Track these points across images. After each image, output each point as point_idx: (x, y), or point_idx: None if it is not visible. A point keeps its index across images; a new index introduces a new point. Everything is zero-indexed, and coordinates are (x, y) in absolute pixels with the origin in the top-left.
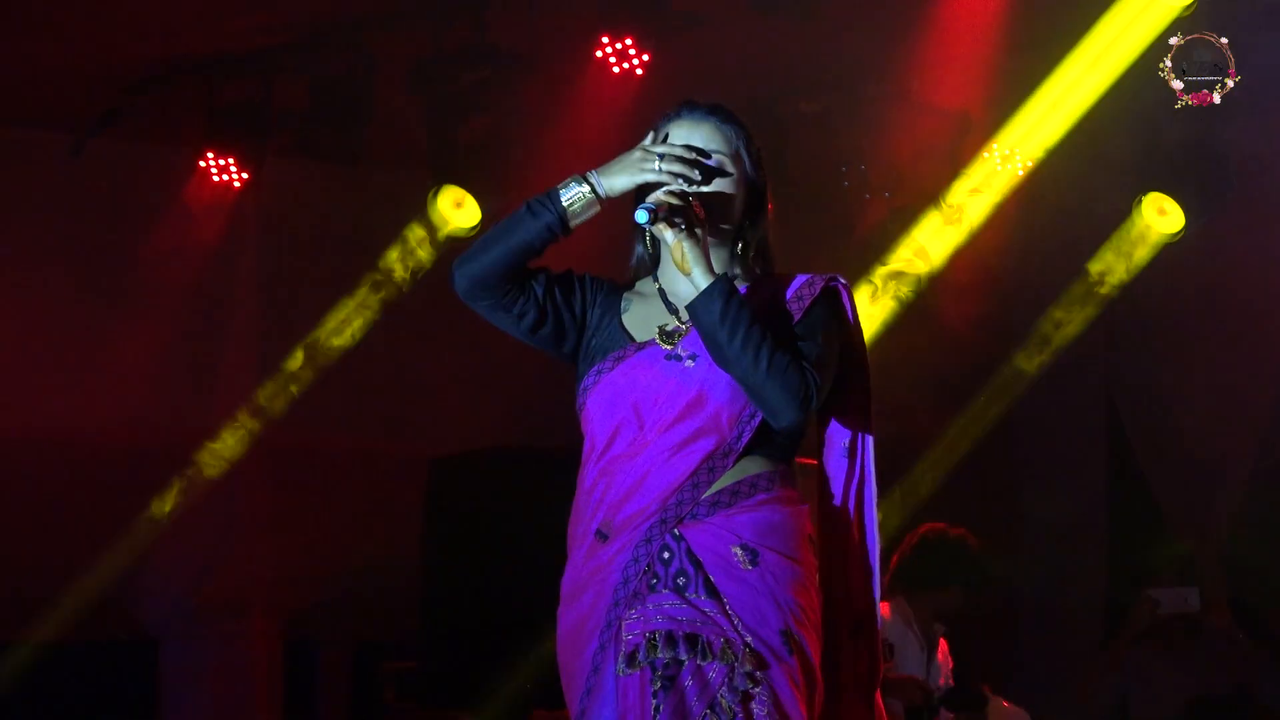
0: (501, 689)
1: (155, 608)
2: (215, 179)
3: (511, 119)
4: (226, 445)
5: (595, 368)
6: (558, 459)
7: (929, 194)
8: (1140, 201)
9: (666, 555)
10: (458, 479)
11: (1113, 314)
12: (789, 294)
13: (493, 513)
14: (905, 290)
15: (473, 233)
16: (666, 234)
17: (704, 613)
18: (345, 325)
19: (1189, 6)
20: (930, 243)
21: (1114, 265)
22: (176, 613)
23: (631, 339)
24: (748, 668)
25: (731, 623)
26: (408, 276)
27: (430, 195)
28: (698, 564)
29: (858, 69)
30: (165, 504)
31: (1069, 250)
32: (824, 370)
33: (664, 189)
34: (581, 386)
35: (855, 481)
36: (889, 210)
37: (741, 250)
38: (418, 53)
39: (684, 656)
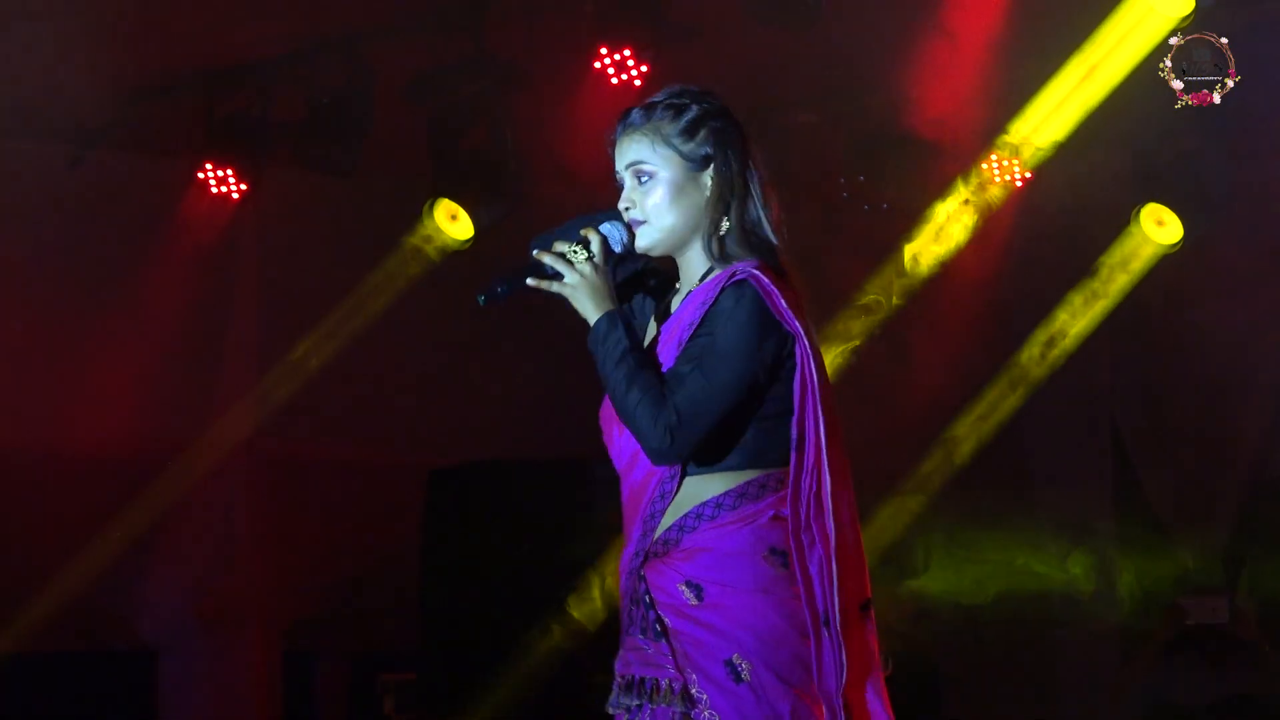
0: (500, 701)
1: (153, 618)
2: (214, 190)
3: (510, 130)
4: (224, 456)
5: None
6: (556, 471)
7: (928, 204)
8: (1138, 212)
9: (636, 597)
10: (457, 490)
11: (1113, 324)
12: (700, 299)
13: (492, 524)
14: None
15: (466, 245)
16: (553, 288)
17: (654, 654)
18: (343, 336)
19: (1186, 18)
20: (926, 252)
21: (1112, 277)
22: (175, 624)
23: None
24: (681, 708)
25: (676, 662)
26: (405, 288)
27: (426, 208)
28: (652, 605)
29: (857, 80)
30: (163, 514)
31: (1067, 261)
32: (696, 397)
33: (544, 254)
34: None
35: (809, 475)
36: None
37: (709, 242)
38: (416, 64)
39: (636, 700)
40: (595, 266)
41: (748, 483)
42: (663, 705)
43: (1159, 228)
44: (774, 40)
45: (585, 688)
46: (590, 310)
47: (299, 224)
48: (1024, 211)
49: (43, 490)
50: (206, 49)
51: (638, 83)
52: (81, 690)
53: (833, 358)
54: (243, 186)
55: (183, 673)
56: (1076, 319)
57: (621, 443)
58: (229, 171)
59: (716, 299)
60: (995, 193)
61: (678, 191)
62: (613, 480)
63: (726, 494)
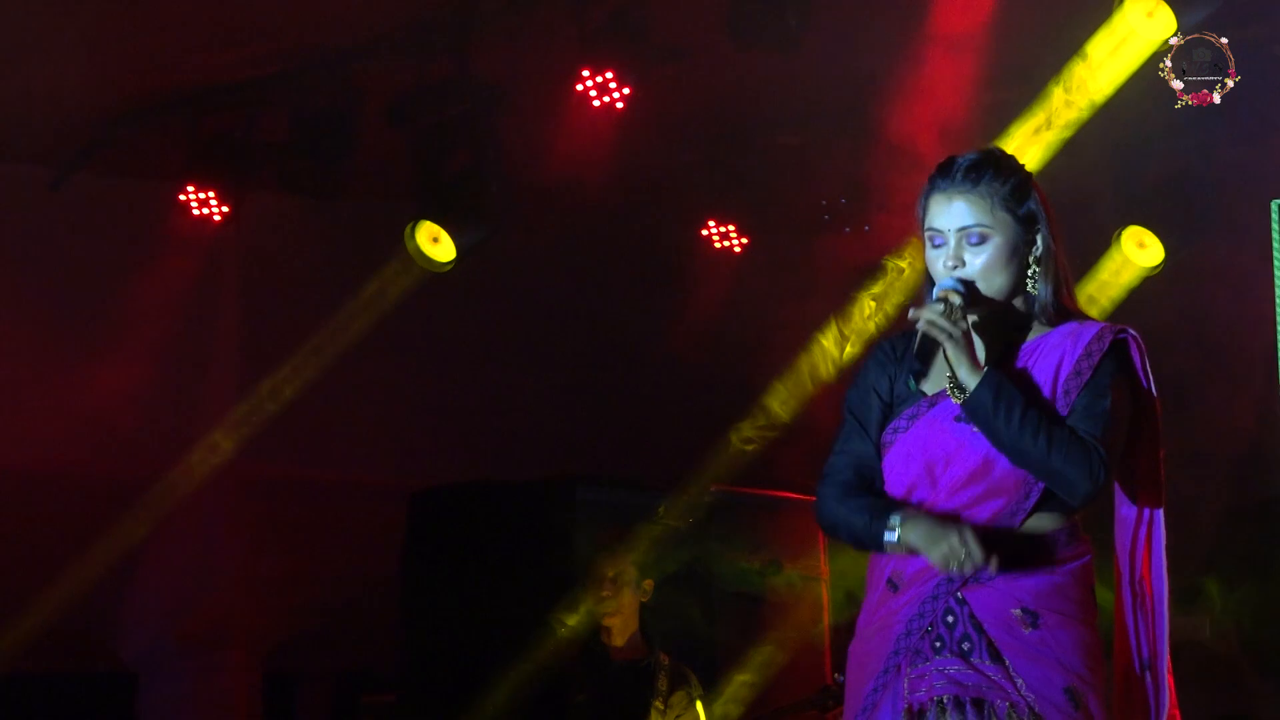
0: None
1: (134, 640)
2: (196, 212)
3: (493, 152)
4: (206, 478)
5: (893, 425)
6: (536, 491)
7: (909, 228)
8: (1120, 235)
9: (950, 619)
10: (438, 512)
11: None
12: (1079, 351)
13: (473, 546)
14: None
15: (449, 267)
16: (945, 349)
17: (988, 677)
18: (325, 357)
19: (1167, 40)
20: (910, 270)
21: (1094, 299)
22: (156, 645)
23: (924, 393)
24: None
25: (1015, 685)
26: (388, 310)
27: (408, 230)
28: (980, 627)
29: (838, 103)
30: (144, 536)
31: None
32: (1111, 439)
33: (926, 321)
34: (882, 442)
35: (1144, 527)
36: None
37: (1030, 304)
38: (399, 86)
39: None
40: (967, 321)
41: (1073, 524)
42: None
43: (1140, 250)
44: (755, 63)
45: (567, 710)
46: (968, 367)
47: (281, 246)
48: None
49: (23, 512)
50: (189, 71)
51: (620, 105)
52: (63, 712)
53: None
54: (225, 209)
55: (164, 695)
56: None
57: (946, 475)
58: (211, 194)
59: (1106, 352)
60: None
61: (1011, 253)
62: (594, 502)
63: (1060, 530)
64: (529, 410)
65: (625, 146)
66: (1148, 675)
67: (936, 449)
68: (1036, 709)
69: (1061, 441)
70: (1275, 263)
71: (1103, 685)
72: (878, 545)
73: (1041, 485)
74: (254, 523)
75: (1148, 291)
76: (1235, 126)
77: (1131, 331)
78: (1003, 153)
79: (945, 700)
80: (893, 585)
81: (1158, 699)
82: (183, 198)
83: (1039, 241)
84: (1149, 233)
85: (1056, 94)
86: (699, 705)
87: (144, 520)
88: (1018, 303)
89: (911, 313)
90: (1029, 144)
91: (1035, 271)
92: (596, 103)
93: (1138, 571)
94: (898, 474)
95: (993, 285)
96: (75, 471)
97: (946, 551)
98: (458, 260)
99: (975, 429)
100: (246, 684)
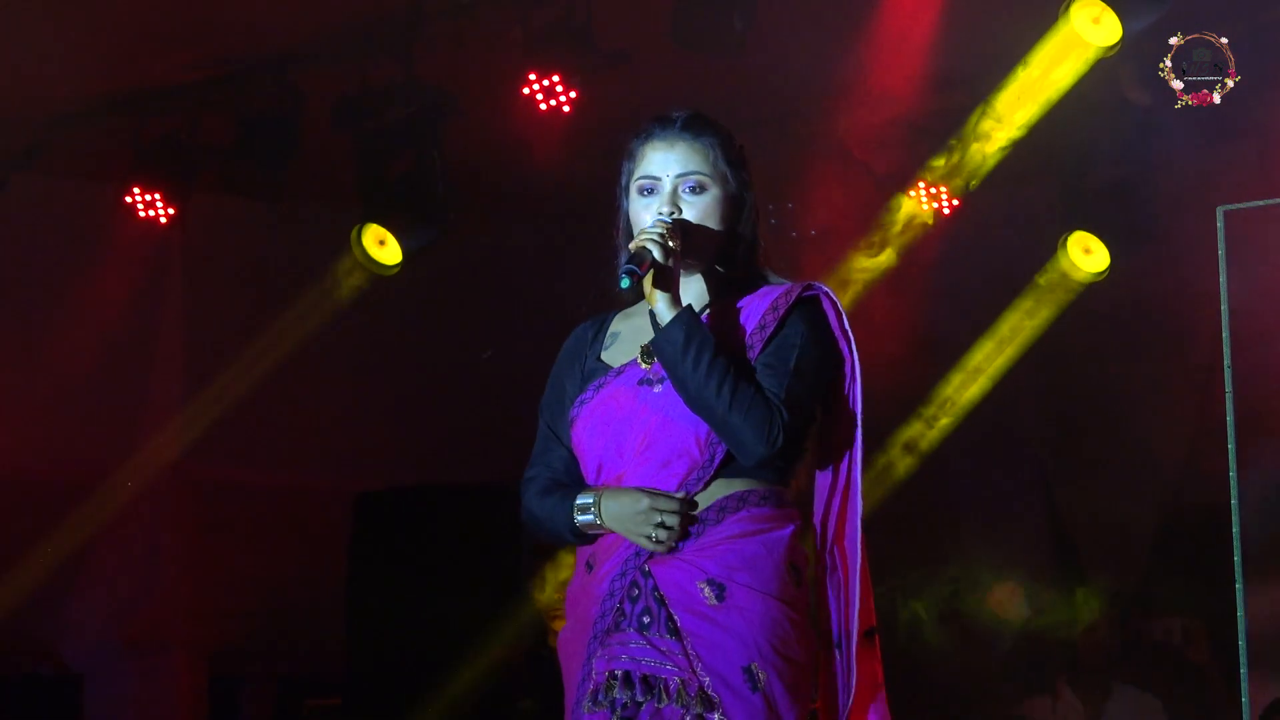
0: None
1: (79, 642)
2: (141, 214)
3: (439, 154)
4: (150, 479)
5: (580, 398)
6: (482, 495)
7: (856, 232)
8: (1065, 240)
9: (635, 593)
10: (383, 514)
11: (1035, 354)
12: (765, 306)
13: (418, 548)
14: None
15: (395, 270)
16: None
17: (663, 652)
18: (271, 359)
19: (1113, 46)
20: (855, 276)
21: (1038, 305)
22: (100, 648)
23: (609, 366)
24: (698, 709)
25: (690, 662)
26: (333, 312)
27: (354, 233)
28: (662, 601)
29: (784, 106)
30: (88, 538)
31: (996, 289)
32: (796, 399)
33: (642, 234)
34: (570, 418)
35: (839, 496)
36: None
37: (731, 261)
38: (345, 89)
39: (641, 698)
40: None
41: (772, 490)
42: (672, 705)
43: (1086, 255)
44: (700, 66)
45: (512, 715)
46: (668, 300)
47: (227, 247)
48: (951, 240)
49: None
50: (134, 72)
51: (566, 109)
52: (9, 715)
53: None
54: (170, 210)
55: (109, 697)
56: (1004, 347)
57: (630, 441)
58: (157, 195)
59: (792, 308)
60: (922, 221)
61: (728, 208)
62: None
63: (754, 494)
64: (476, 412)
65: (572, 150)
66: (837, 653)
67: (621, 415)
68: (708, 687)
69: (745, 398)
70: (1221, 270)
71: (796, 666)
72: (576, 531)
73: (725, 447)
74: (198, 525)
75: (1093, 298)
76: (1182, 132)
77: (823, 288)
78: (720, 123)
79: (618, 675)
80: (589, 566)
81: (847, 680)
82: (129, 199)
83: (748, 206)
84: (1095, 238)
85: (1004, 99)
86: None
87: (88, 522)
88: (719, 265)
89: (634, 243)
90: (977, 147)
91: (743, 234)
92: (543, 106)
93: (829, 541)
94: (586, 447)
95: (705, 237)
96: (20, 474)
97: (646, 531)
98: (404, 263)
99: (655, 390)
100: (191, 686)
